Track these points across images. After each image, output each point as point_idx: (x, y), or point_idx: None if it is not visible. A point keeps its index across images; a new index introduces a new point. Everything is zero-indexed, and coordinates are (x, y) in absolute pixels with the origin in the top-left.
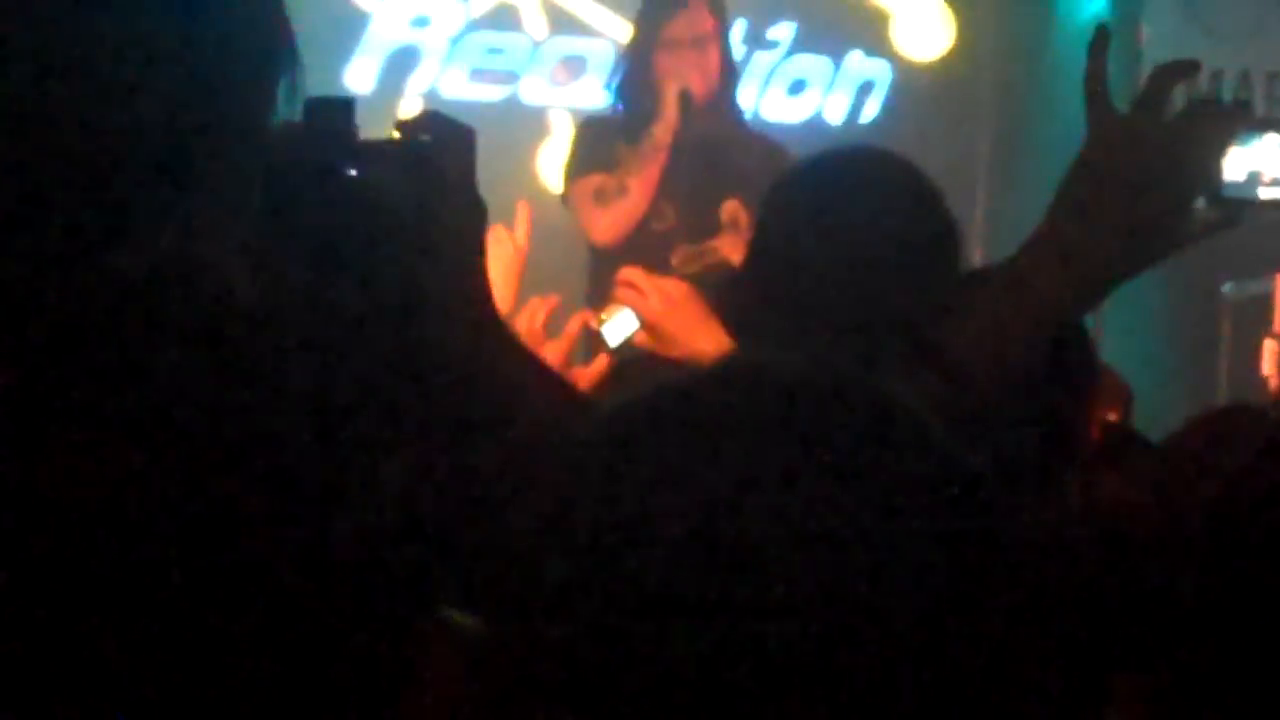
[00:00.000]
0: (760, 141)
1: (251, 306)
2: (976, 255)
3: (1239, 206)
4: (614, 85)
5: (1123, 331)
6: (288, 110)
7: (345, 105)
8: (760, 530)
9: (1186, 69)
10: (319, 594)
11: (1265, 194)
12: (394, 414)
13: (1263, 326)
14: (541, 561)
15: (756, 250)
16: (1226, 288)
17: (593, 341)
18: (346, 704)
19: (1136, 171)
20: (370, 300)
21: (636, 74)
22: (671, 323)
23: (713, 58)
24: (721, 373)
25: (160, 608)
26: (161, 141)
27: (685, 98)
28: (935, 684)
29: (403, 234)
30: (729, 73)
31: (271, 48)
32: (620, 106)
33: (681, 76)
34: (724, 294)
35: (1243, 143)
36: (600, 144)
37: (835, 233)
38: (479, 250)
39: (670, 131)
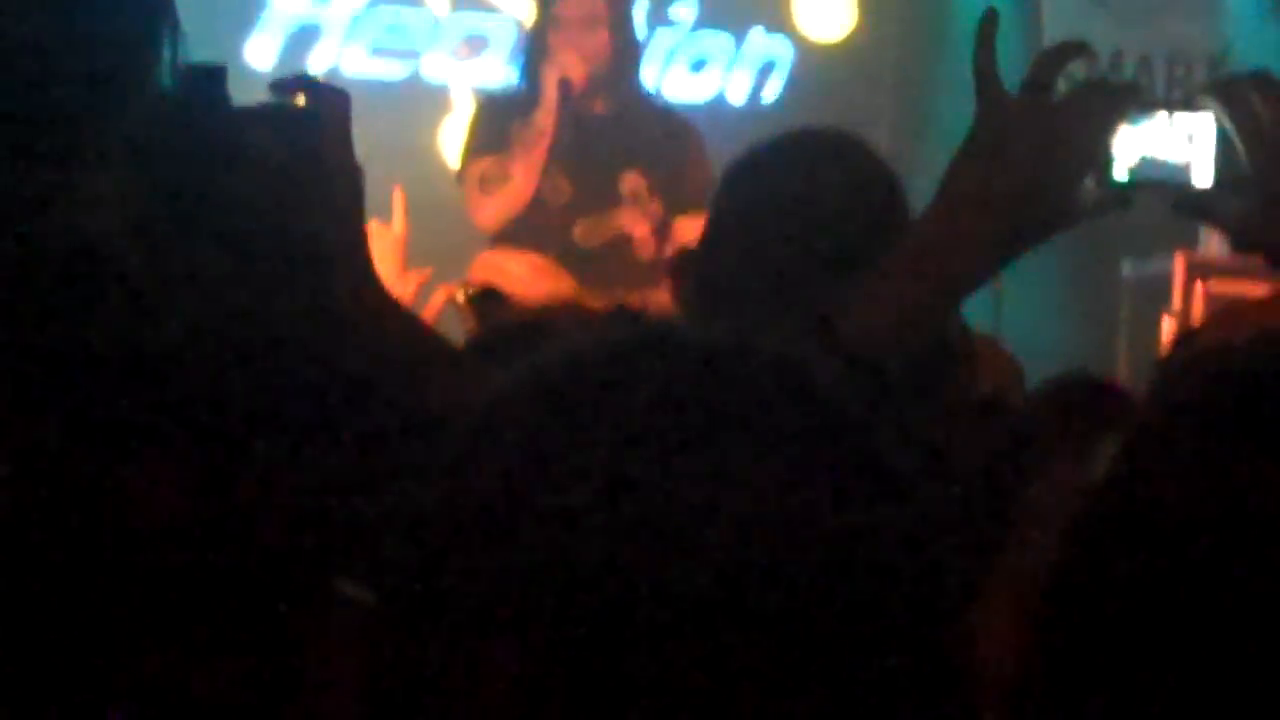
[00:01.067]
0: (665, 116)
1: (140, 282)
2: None
3: (1129, 189)
4: (515, 63)
5: (1023, 312)
6: (170, 81)
7: (217, 72)
8: (664, 500)
9: (1074, 50)
10: (218, 565)
11: (1155, 174)
12: (287, 381)
13: (1162, 305)
14: (440, 535)
15: (712, 232)
16: (1126, 267)
17: (460, 314)
18: (246, 674)
19: (1024, 152)
20: (249, 264)
21: (531, 53)
22: (536, 294)
23: (602, 37)
24: (626, 341)
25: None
26: (45, 112)
27: (564, 83)
28: (837, 645)
29: (278, 196)
30: (629, 50)
31: (154, 13)
32: (520, 84)
33: (564, 58)
34: (676, 274)
35: (1134, 123)
36: (495, 123)
37: (792, 218)
38: (357, 214)
39: (551, 115)
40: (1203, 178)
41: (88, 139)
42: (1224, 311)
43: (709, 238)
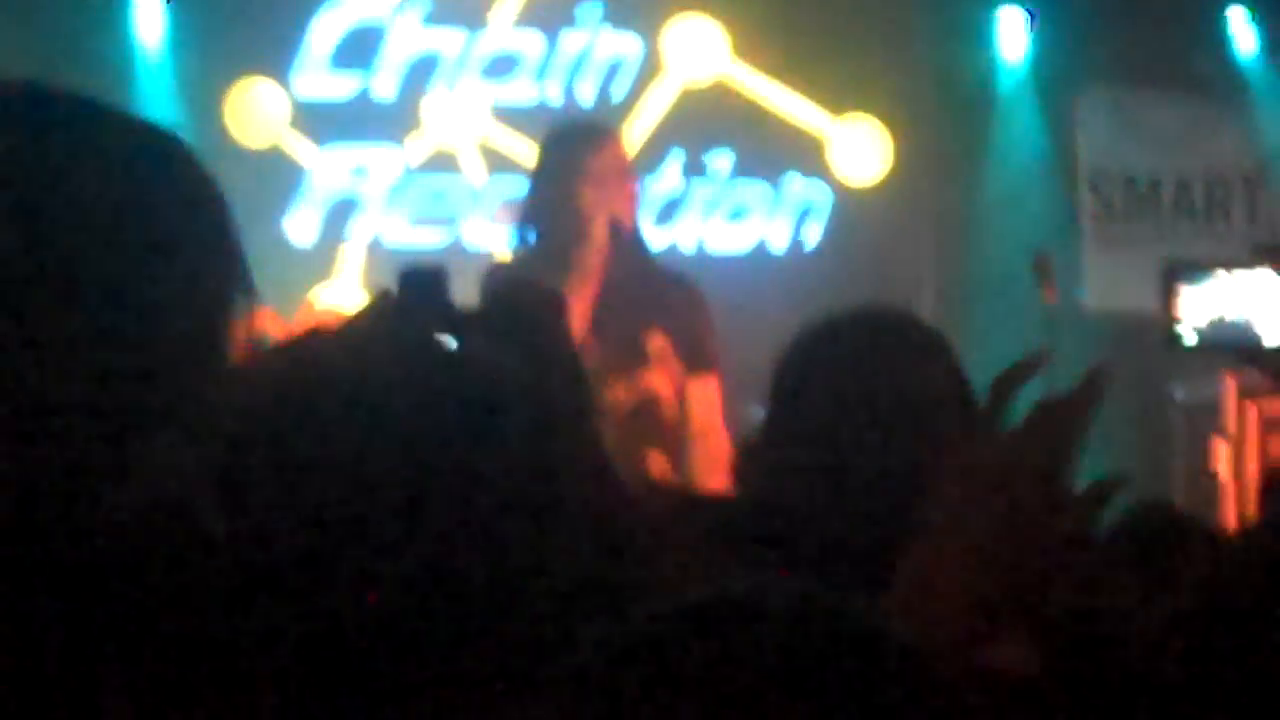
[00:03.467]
0: (671, 274)
1: (221, 543)
2: None
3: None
4: (529, 219)
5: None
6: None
7: (438, 275)
8: None
9: (1029, 369)
10: None
11: (1223, 335)
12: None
13: (1213, 428)
14: None
15: (776, 418)
16: (1176, 391)
17: None
18: None
19: (982, 497)
20: (501, 476)
21: (557, 208)
22: None
23: (630, 189)
24: (715, 607)
25: None
26: (134, 383)
27: (616, 227)
28: None
29: (518, 411)
30: (637, 209)
31: (228, 283)
32: (533, 241)
33: (609, 207)
34: (742, 459)
35: (1195, 282)
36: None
37: (855, 401)
38: (590, 418)
39: (600, 258)
40: (1271, 334)
41: (173, 404)
42: None
43: (773, 422)
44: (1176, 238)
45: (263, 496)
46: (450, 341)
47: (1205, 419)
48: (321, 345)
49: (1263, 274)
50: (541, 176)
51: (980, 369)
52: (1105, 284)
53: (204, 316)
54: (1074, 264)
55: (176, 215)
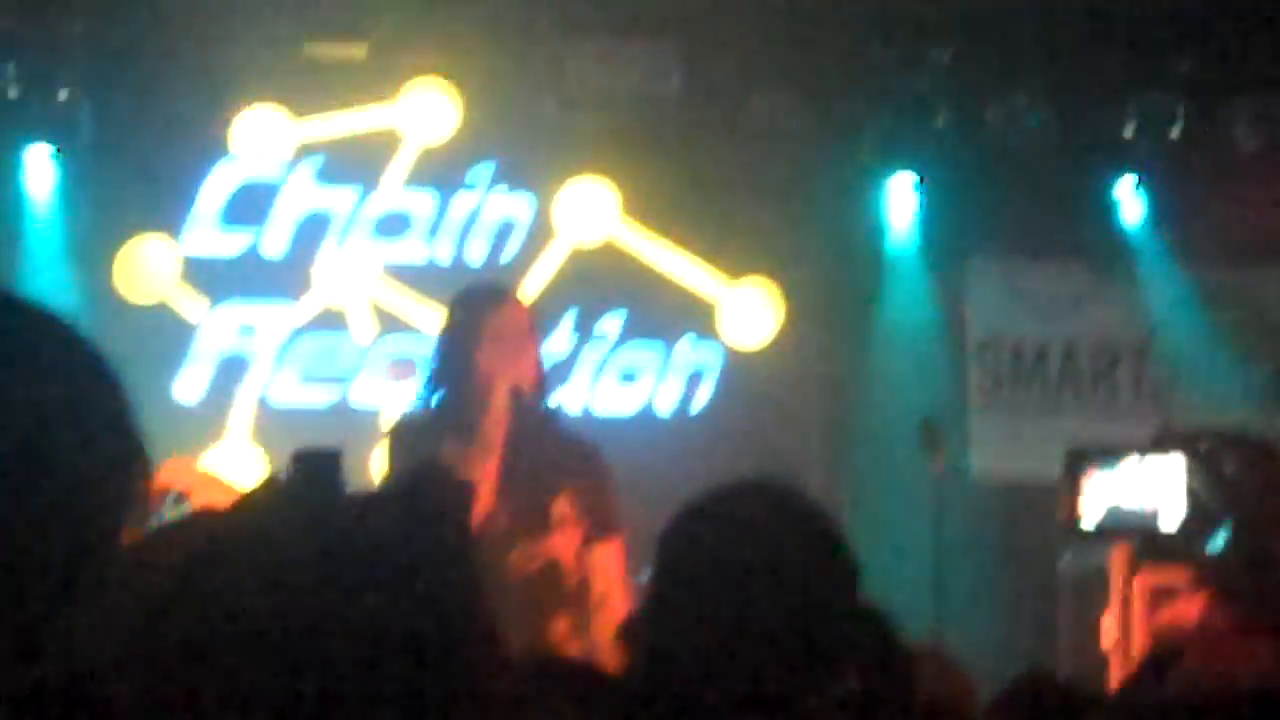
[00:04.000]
0: (573, 437)
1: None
2: None
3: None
4: (431, 382)
5: (963, 611)
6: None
7: (332, 458)
8: None
9: None
10: None
11: (1122, 523)
12: None
13: (1100, 600)
14: None
15: (658, 598)
16: (1063, 563)
17: None
18: None
19: None
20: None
21: (458, 370)
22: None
23: (532, 353)
24: None
25: None
26: (40, 556)
27: (515, 393)
28: None
29: (398, 588)
30: (543, 370)
31: (126, 453)
32: (437, 404)
33: (508, 372)
34: (624, 641)
35: (1108, 468)
36: (422, 447)
37: (734, 578)
38: (478, 604)
39: (501, 428)
40: (1169, 522)
41: (75, 576)
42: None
43: (657, 598)
44: (1063, 407)
45: (171, 666)
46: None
47: (1093, 591)
48: (215, 524)
49: (1173, 459)
50: (444, 338)
51: (867, 533)
52: (993, 452)
53: (100, 497)
54: (962, 431)
55: (68, 396)
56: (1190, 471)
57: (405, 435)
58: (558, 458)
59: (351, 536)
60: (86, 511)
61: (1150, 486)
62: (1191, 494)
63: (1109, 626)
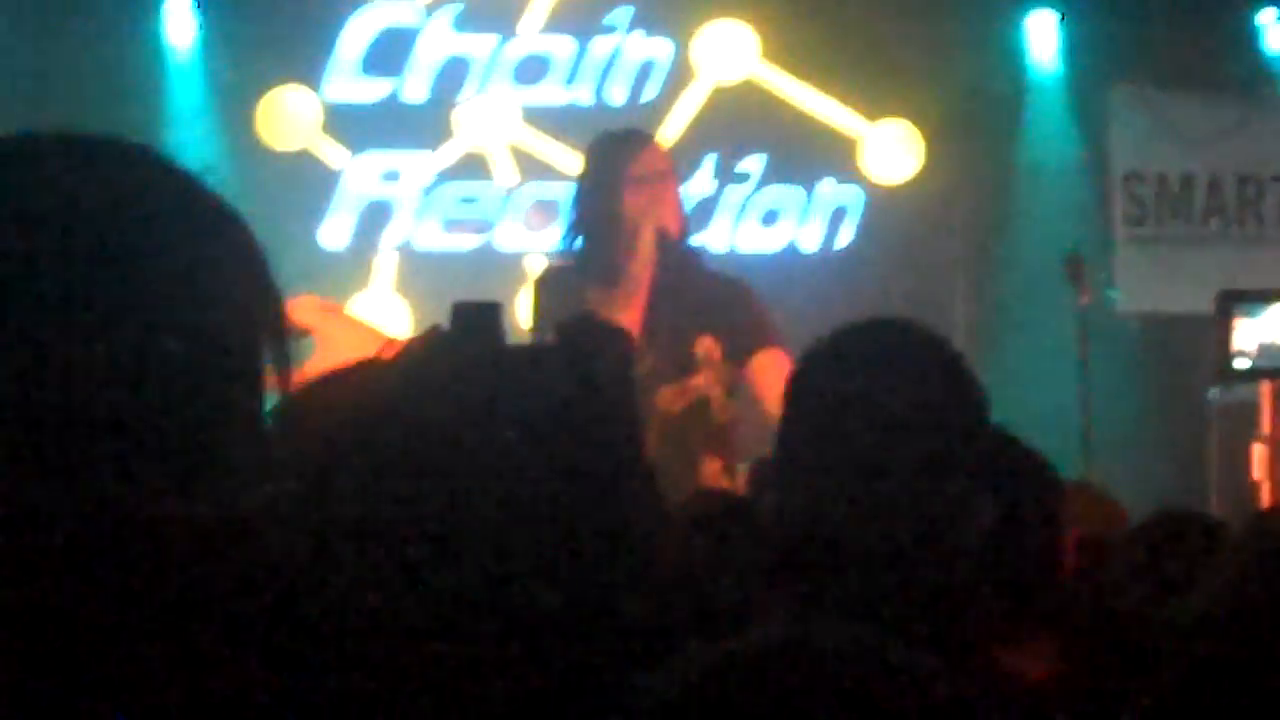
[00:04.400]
0: (719, 276)
1: (290, 562)
2: None
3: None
4: (573, 228)
5: (1112, 445)
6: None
7: (492, 310)
8: None
9: None
10: None
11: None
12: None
13: (1250, 432)
14: None
15: (789, 431)
16: (1212, 394)
17: None
18: None
19: None
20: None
21: (602, 215)
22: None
23: (674, 192)
24: (766, 655)
25: None
26: (203, 395)
27: (661, 235)
28: None
29: (557, 438)
30: (684, 211)
31: (261, 314)
32: (580, 250)
33: (653, 214)
34: (757, 477)
35: (1253, 315)
36: (568, 294)
37: (865, 419)
38: (636, 457)
39: (648, 270)
40: None
41: (233, 417)
42: None
43: (785, 444)
44: (1208, 239)
45: (338, 525)
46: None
47: (1243, 423)
48: (380, 375)
49: None
50: (585, 184)
51: (1011, 369)
52: (1137, 285)
53: (242, 347)
54: (1107, 265)
55: (207, 249)
56: None
57: (551, 282)
58: (703, 297)
59: (516, 385)
60: (229, 352)
61: None
62: None
63: (1260, 455)
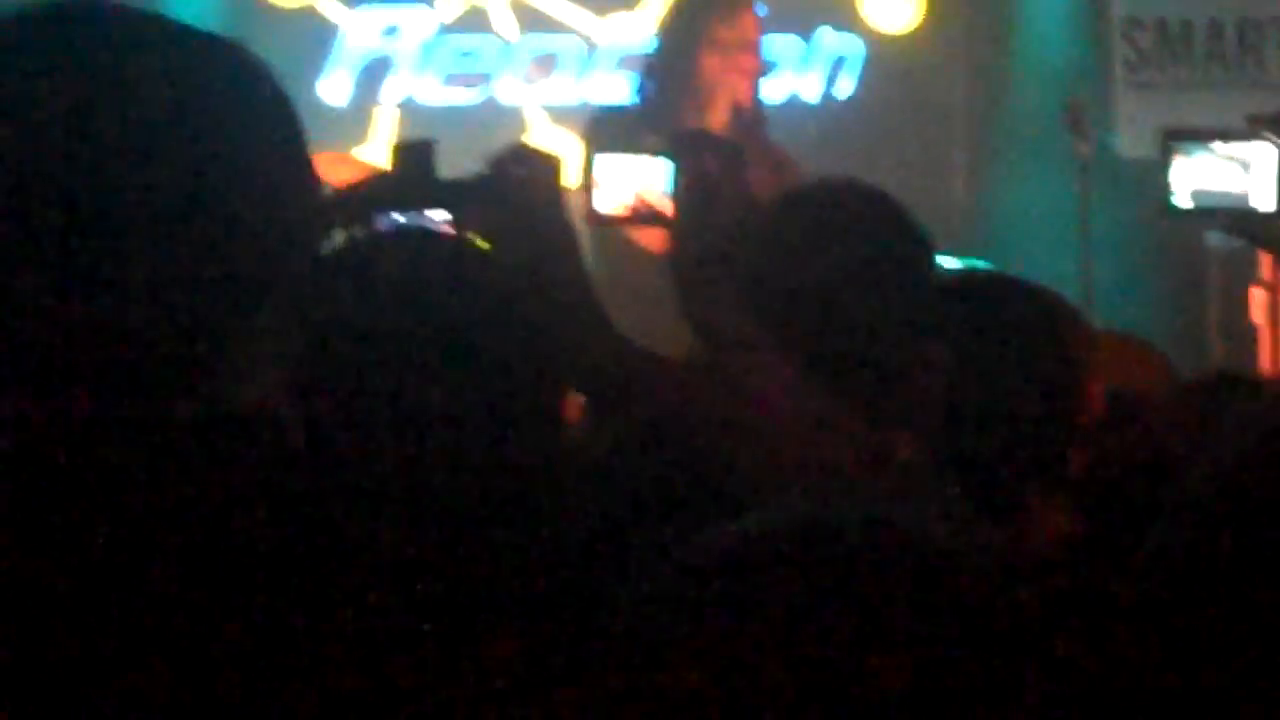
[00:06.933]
0: (780, 156)
1: (301, 453)
2: (955, 224)
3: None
4: (651, 75)
5: (1113, 288)
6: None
7: (426, 148)
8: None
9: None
10: None
11: (1214, 202)
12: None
13: (1250, 276)
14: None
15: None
16: (1211, 238)
17: None
18: None
19: None
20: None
21: (677, 71)
22: None
23: (754, 62)
24: (784, 534)
25: None
26: (213, 286)
27: (736, 108)
28: None
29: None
30: (760, 80)
31: (308, 193)
32: (645, 99)
33: (730, 83)
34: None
35: (1189, 154)
36: (621, 139)
37: (820, 267)
38: (577, 271)
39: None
40: (1263, 203)
41: (251, 308)
42: None
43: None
44: (1210, 83)
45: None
46: (441, 214)
47: (1241, 267)
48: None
49: (1262, 146)
50: (666, 33)
51: (1011, 216)
52: (1139, 131)
53: (282, 218)
54: (1108, 111)
55: (249, 119)
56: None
57: (605, 127)
58: (761, 174)
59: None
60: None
61: (1241, 170)
62: None
63: (1258, 300)
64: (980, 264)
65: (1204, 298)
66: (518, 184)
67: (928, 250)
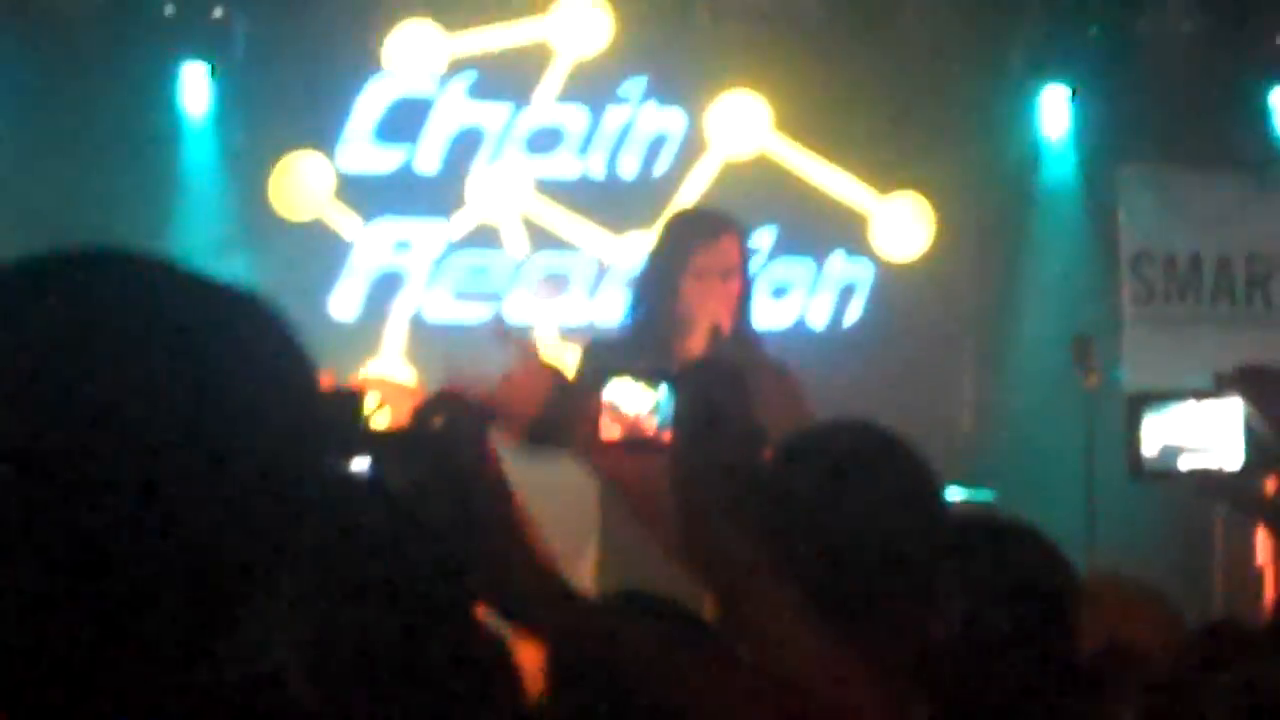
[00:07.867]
0: (773, 367)
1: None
2: (965, 441)
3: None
4: (634, 302)
5: (1118, 521)
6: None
7: (354, 397)
8: None
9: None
10: None
11: (1184, 464)
12: None
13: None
14: None
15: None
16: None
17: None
18: None
19: None
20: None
21: (661, 295)
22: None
23: (735, 287)
24: None
25: None
26: (233, 555)
27: (714, 333)
28: None
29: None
30: (747, 298)
31: (316, 440)
32: (634, 324)
33: (710, 308)
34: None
35: (1159, 410)
36: (611, 364)
37: (828, 520)
38: (507, 530)
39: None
40: (1230, 461)
41: (268, 573)
42: None
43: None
44: (1217, 319)
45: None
46: (363, 462)
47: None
48: None
49: (1230, 403)
50: (652, 260)
51: (1018, 449)
52: (1146, 366)
53: (295, 473)
54: (1115, 345)
55: (263, 376)
56: (1247, 404)
57: (599, 353)
58: (755, 389)
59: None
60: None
61: (1208, 429)
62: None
63: (1264, 542)
64: (985, 495)
65: (1210, 537)
66: (435, 434)
67: (937, 495)
